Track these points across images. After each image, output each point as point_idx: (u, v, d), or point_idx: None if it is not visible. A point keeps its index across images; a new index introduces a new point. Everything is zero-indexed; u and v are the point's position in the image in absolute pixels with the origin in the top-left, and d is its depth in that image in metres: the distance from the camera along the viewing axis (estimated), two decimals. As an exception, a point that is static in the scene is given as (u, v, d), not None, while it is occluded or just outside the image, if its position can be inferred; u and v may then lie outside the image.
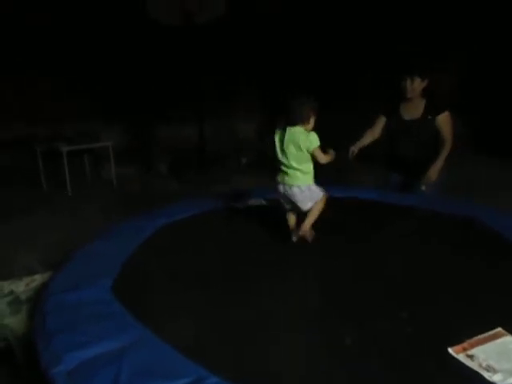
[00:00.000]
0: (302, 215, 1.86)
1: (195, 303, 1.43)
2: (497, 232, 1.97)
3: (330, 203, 1.85)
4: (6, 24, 5.38)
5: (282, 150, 1.79)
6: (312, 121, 1.78)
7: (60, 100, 5.90)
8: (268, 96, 6.47)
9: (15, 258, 2.71)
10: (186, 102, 6.00)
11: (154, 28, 5.47)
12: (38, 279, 1.86)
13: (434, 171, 2.58)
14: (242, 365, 1.12)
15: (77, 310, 1.37)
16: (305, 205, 1.80)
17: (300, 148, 1.74)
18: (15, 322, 1.63)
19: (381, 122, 2.78)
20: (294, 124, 1.76)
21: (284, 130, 1.78)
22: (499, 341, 1.20)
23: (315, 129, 1.80)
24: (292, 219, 1.92)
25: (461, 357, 1.14)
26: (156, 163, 6.32)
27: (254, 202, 2.37)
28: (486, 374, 1.07)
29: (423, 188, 2.65)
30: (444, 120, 2.57)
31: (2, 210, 3.92)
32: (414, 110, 2.63)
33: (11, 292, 1.78)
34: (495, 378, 1.06)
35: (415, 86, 2.55)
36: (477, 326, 1.25)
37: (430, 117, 2.57)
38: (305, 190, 1.79)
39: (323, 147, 1.79)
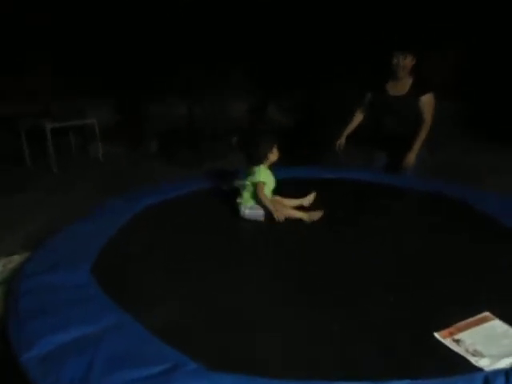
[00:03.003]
0: None
1: (176, 288, 1.38)
2: (486, 214, 1.94)
3: (317, 185, 1.78)
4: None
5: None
6: (271, 156, 1.90)
7: (45, 75, 5.72)
8: (260, 75, 6.33)
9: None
10: (176, 79, 5.85)
11: (143, 2, 5.27)
12: (15, 260, 1.79)
13: (412, 155, 2.65)
14: (223, 352, 1.08)
15: (52, 293, 1.31)
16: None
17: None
18: (-11, 304, 1.58)
19: (367, 99, 2.84)
20: (254, 165, 1.90)
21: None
22: (486, 325, 1.18)
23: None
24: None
25: (447, 341, 1.11)
26: (145, 142, 6.19)
27: (240, 182, 2.30)
28: (473, 359, 1.05)
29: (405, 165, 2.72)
30: (427, 101, 2.62)
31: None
32: (400, 87, 2.67)
33: (-13, 273, 1.71)
34: (482, 362, 1.04)
35: (406, 62, 2.56)
36: (464, 310, 1.22)
37: (414, 95, 2.61)
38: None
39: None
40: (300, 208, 1.95)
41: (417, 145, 2.64)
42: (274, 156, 1.92)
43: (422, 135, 2.64)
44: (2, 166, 4.83)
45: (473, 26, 5.91)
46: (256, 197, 1.90)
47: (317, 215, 1.87)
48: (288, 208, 1.92)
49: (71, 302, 1.27)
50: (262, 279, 1.45)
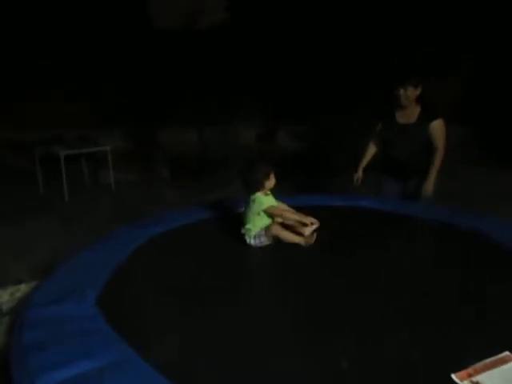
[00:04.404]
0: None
1: (185, 321, 1.35)
2: (504, 245, 1.88)
3: (329, 212, 1.76)
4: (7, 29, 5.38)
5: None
6: (268, 183, 1.90)
7: (60, 104, 5.88)
8: (269, 102, 6.42)
9: (5, 265, 2.64)
10: (186, 107, 5.97)
11: (155, 33, 5.45)
12: (22, 289, 1.78)
13: (430, 185, 2.63)
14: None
15: (57, 326, 1.29)
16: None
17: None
18: (-5, 335, 1.56)
19: (378, 129, 2.87)
20: (251, 193, 1.90)
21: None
22: (506, 366, 1.12)
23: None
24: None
25: (465, 384, 1.05)
26: (156, 168, 6.27)
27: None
28: (493, 404, 0.99)
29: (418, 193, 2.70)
30: (437, 127, 2.61)
31: (-3, 213, 3.87)
32: (409, 115, 2.69)
33: (-6, 302, 1.71)
34: (503, 408, 0.98)
35: (408, 94, 2.61)
36: (483, 349, 1.16)
37: (423, 123, 2.62)
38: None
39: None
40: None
41: (433, 174, 2.61)
42: (270, 183, 1.92)
43: (437, 163, 2.62)
44: (16, 191, 4.91)
45: (477, 50, 5.96)
46: (272, 218, 1.90)
47: (313, 239, 1.87)
48: (288, 233, 1.90)
49: (75, 335, 1.24)
50: (269, 313, 1.41)
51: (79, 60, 5.77)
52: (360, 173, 2.88)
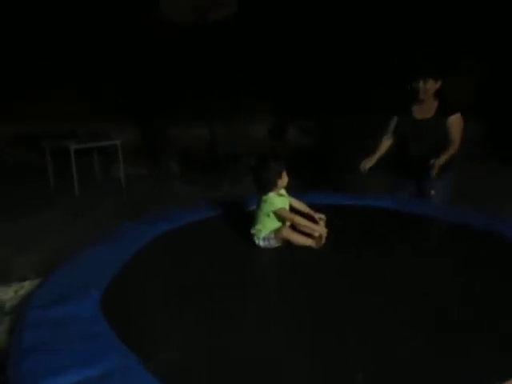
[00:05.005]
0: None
1: (190, 325, 1.29)
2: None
3: (340, 212, 1.67)
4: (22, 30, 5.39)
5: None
6: (281, 182, 1.83)
7: (72, 100, 5.89)
8: (280, 98, 6.33)
9: (10, 262, 2.61)
10: (197, 102, 5.91)
11: (166, 28, 5.39)
12: (26, 286, 1.75)
13: (438, 163, 2.43)
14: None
15: (57, 328, 1.24)
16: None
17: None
18: (-4, 335, 1.53)
19: (393, 124, 2.76)
20: (263, 193, 1.83)
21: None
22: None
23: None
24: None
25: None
26: (166, 163, 6.24)
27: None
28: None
29: (432, 193, 2.63)
30: (454, 121, 2.53)
31: (6, 207, 3.86)
32: (426, 110, 2.60)
33: (-3, 299, 1.67)
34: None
35: (428, 87, 2.52)
36: (508, 365, 1.08)
37: (441, 117, 2.54)
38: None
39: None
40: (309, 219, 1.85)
41: (443, 157, 2.45)
42: (283, 182, 1.84)
43: (450, 151, 2.50)
44: (26, 184, 4.92)
45: (494, 47, 5.79)
46: (283, 221, 1.84)
47: (323, 240, 1.80)
48: (299, 235, 1.83)
49: (76, 338, 1.19)
50: (279, 319, 1.34)
51: (92, 57, 5.75)
52: (368, 164, 2.66)
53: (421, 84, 2.52)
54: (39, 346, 1.16)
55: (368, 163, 2.67)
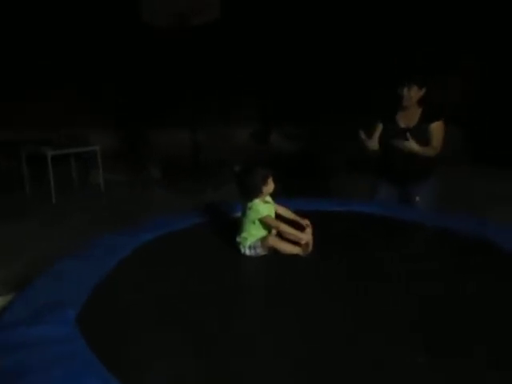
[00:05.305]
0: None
1: (173, 344, 1.21)
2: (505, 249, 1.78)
3: (326, 218, 1.62)
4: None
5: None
6: (266, 188, 1.77)
7: (48, 103, 5.72)
8: (263, 103, 6.31)
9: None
10: (179, 107, 5.83)
11: (148, 32, 5.30)
12: (-2, 303, 1.64)
13: (413, 145, 2.46)
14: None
15: (31, 350, 1.14)
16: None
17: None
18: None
19: (378, 131, 2.74)
20: (248, 200, 1.78)
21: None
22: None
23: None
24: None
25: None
26: (147, 169, 6.12)
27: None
28: None
29: (417, 199, 2.66)
30: (436, 128, 2.55)
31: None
32: (410, 118, 2.62)
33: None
34: None
35: (412, 94, 2.53)
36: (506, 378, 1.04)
37: (424, 124, 2.55)
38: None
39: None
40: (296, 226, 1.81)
41: (420, 149, 2.48)
42: (268, 188, 1.79)
43: (428, 150, 2.52)
44: (1, 192, 4.73)
45: (479, 50, 5.91)
46: (269, 229, 1.79)
47: (310, 248, 1.76)
48: (285, 244, 1.78)
49: (51, 361, 1.10)
50: (267, 329, 1.28)
51: (69, 59, 5.61)
52: (375, 143, 2.65)
53: (405, 91, 2.53)
54: (8, 372, 1.07)
55: (373, 144, 2.66)
